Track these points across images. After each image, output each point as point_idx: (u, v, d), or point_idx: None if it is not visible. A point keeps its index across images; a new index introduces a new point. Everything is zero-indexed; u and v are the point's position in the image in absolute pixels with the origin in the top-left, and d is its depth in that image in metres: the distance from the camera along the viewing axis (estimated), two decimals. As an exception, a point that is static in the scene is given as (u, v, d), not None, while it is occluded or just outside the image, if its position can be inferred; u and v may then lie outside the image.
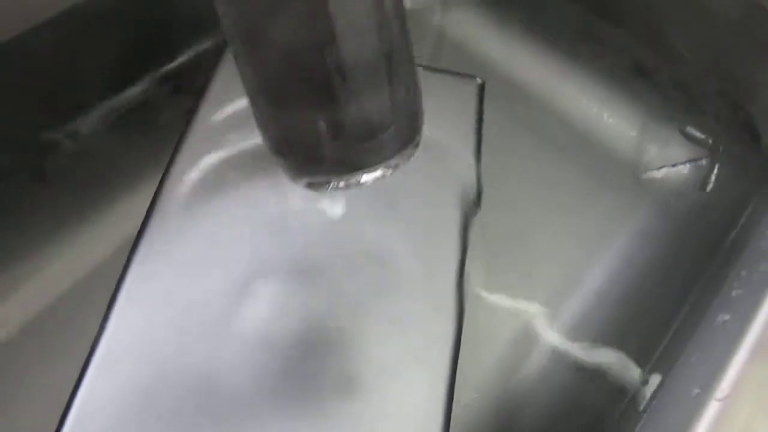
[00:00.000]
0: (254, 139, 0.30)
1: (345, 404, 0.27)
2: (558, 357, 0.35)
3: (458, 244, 0.31)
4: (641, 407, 0.31)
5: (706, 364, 0.23)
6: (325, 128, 0.22)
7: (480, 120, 0.36)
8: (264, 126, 0.24)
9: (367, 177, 0.24)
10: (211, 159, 0.32)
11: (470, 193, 0.33)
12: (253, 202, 0.31)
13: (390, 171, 0.24)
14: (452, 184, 0.33)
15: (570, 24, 0.47)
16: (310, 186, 0.24)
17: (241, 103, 0.32)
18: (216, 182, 0.31)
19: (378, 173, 0.24)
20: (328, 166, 0.23)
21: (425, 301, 0.29)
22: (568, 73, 0.46)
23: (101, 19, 0.37)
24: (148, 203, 0.30)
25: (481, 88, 0.37)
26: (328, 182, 0.24)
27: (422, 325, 0.29)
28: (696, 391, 0.22)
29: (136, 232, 0.29)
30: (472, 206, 0.33)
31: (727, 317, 0.24)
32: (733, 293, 0.26)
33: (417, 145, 0.24)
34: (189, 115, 0.33)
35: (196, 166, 0.32)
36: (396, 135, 0.23)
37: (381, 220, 0.31)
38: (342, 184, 0.24)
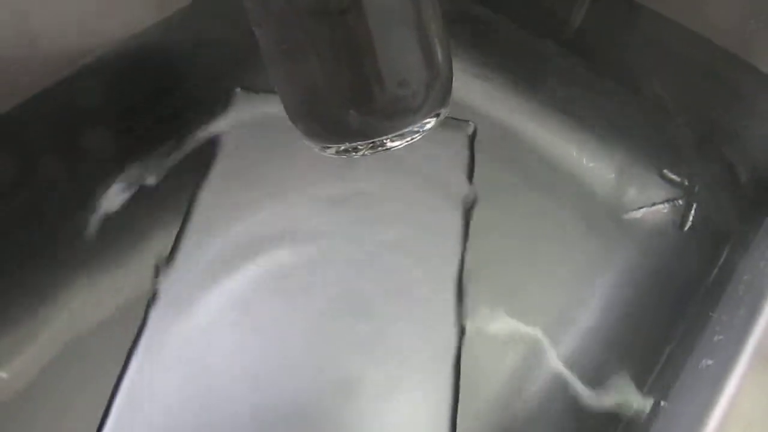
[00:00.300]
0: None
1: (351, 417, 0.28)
2: (557, 386, 0.36)
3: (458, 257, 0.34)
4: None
5: (690, 406, 0.25)
6: (355, 91, 0.22)
7: (472, 163, 0.38)
8: (290, 96, 0.23)
9: (395, 142, 0.23)
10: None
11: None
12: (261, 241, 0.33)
13: (418, 135, 0.24)
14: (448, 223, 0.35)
15: (550, 70, 0.49)
16: (338, 153, 0.24)
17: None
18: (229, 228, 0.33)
19: (407, 137, 0.23)
20: (357, 131, 0.23)
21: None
22: (550, 117, 0.47)
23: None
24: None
25: (474, 133, 0.39)
26: (356, 148, 0.23)
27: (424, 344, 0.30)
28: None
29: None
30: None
31: (710, 362, 0.26)
32: (715, 338, 0.27)
33: (447, 107, 0.24)
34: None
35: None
36: (427, 97, 0.23)
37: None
38: (371, 149, 0.23)
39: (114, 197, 0.39)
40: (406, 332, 0.32)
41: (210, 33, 0.43)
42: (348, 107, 0.22)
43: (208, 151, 0.39)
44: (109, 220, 0.38)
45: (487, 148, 0.42)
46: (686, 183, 0.44)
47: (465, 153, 0.38)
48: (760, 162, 0.44)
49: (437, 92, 0.23)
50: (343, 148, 0.24)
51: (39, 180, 0.38)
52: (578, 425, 0.35)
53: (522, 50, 0.50)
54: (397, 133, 0.23)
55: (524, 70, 0.49)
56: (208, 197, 0.36)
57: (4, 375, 0.32)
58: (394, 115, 0.23)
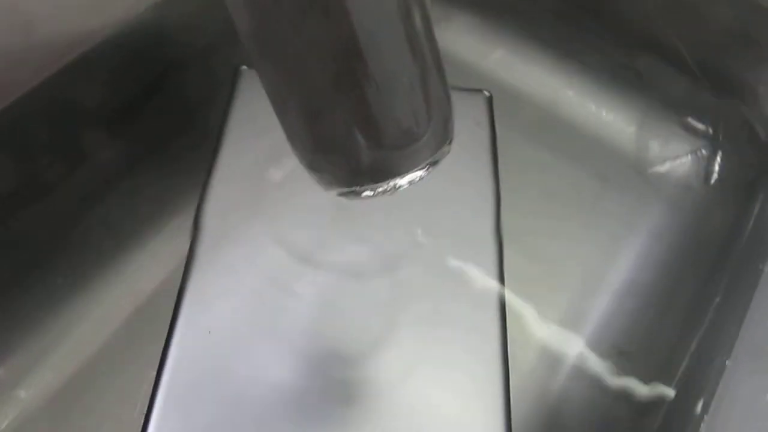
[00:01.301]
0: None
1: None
2: (584, 367, 0.35)
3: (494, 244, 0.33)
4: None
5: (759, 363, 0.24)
6: (360, 138, 0.21)
7: (493, 132, 0.36)
8: (294, 139, 0.23)
9: (401, 181, 0.23)
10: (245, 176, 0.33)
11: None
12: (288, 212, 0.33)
13: (424, 173, 0.23)
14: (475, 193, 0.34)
15: (561, 26, 0.47)
16: (343, 195, 0.24)
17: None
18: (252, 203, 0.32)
19: (412, 176, 0.23)
20: (363, 175, 0.23)
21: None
22: (564, 74, 0.46)
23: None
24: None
25: (490, 101, 0.37)
26: (362, 191, 0.23)
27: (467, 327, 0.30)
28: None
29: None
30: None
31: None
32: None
33: (450, 143, 0.24)
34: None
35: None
36: (431, 137, 0.22)
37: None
38: (377, 191, 0.23)
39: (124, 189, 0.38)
40: (448, 308, 0.31)
41: (211, 10, 0.41)
42: (353, 156, 0.22)
43: (218, 131, 0.37)
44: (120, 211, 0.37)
45: (501, 116, 0.41)
46: (710, 131, 0.43)
47: (485, 122, 0.37)
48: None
49: (447, 124, 0.23)
50: (347, 191, 0.24)
51: (43, 176, 0.36)
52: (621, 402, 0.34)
53: (528, 6, 0.49)
54: (402, 175, 0.23)
55: (532, 28, 0.48)
56: (221, 178, 0.34)
57: (22, 393, 0.31)
58: (398, 160, 0.23)
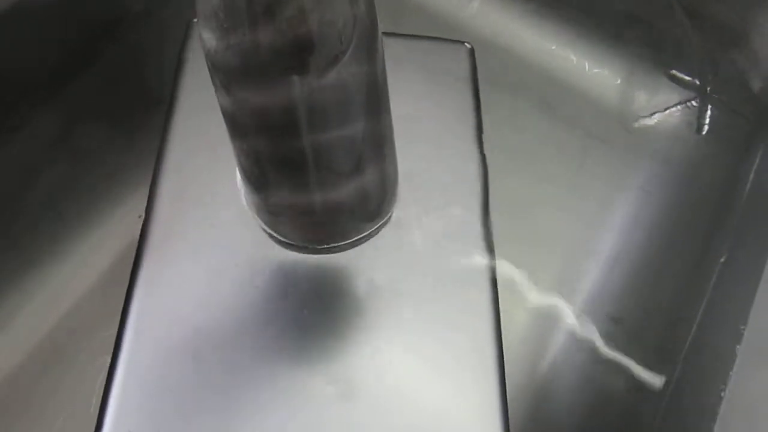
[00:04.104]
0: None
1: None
2: (578, 336, 0.33)
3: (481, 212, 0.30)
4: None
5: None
6: (301, 210, 0.22)
7: (476, 86, 0.34)
8: (247, 196, 0.23)
9: (342, 249, 0.24)
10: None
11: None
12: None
13: (363, 241, 0.24)
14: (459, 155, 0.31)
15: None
16: (290, 248, 0.24)
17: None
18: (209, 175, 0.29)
19: (352, 245, 0.24)
20: (304, 240, 0.24)
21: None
22: (544, 27, 0.43)
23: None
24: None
25: (472, 53, 0.34)
26: (306, 251, 0.24)
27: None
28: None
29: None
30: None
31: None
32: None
33: (390, 218, 0.25)
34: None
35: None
36: (371, 213, 0.23)
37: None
38: (319, 253, 0.24)
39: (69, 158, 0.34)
40: (436, 281, 0.28)
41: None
42: (297, 224, 0.23)
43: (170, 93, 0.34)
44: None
45: (482, 70, 0.38)
46: (698, 82, 0.41)
47: (467, 76, 0.34)
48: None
49: (384, 207, 0.24)
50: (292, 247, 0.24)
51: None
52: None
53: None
54: (343, 244, 0.24)
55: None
56: (177, 134, 0.30)
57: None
58: (338, 232, 0.23)
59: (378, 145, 0.21)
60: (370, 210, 0.23)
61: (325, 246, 0.24)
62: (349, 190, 0.21)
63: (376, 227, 0.24)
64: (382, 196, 0.23)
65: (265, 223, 0.24)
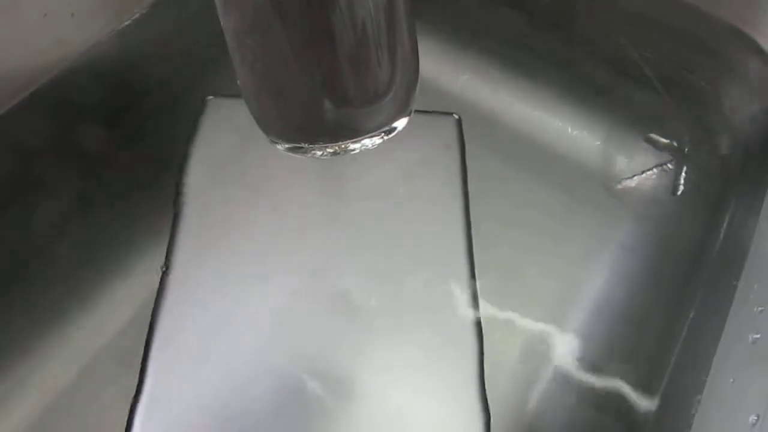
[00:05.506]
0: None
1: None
2: (566, 380, 0.35)
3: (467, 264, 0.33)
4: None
5: (752, 385, 0.24)
6: (320, 92, 0.20)
7: (463, 154, 0.36)
8: (251, 91, 0.22)
9: (354, 145, 0.22)
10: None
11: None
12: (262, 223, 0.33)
13: (379, 140, 0.23)
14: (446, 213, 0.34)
15: (522, 44, 0.48)
16: (291, 151, 0.23)
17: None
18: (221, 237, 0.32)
19: (366, 142, 0.22)
20: (318, 131, 0.22)
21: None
22: (528, 93, 0.46)
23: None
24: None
25: (459, 123, 0.37)
26: (311, 149, 0.22)
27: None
28: (752, 418, 0.22)
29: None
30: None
31: (757, 335, 0.25)
32: (756, 309, 0.26)
33: (411, 113, 0.23)
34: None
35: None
36: (391, 101, 0.22)
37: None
38: (326, 151, 0.23)
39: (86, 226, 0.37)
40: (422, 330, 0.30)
41: (173, 40, 0.40)
42: (314, 104, 0.21)
43: (182, 162, 0.36)
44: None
45: (470, 137, 0.41)
46: (675, 144, 0.44)
47: (455, 144, 0.37)
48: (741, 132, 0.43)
49: (410, 91, 0.23)
50: (304, 146, 0.23)
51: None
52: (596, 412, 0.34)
53: (492, 25, 0.49)
54: (365, 136, 0.22)
55: (497, 47, 0.48)
56: (190, 211, 0.33)
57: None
58: (356, 120, 0.22)
59: (406, 27, 0.21)
60: (392, 95, 0.22)
61: (345, 137, 0.22)
62: (378, 68, 0.20)
63: (392, 121, 0.23)
64: (408, 80, 0.22)
65: (265, 113, 0.22)
